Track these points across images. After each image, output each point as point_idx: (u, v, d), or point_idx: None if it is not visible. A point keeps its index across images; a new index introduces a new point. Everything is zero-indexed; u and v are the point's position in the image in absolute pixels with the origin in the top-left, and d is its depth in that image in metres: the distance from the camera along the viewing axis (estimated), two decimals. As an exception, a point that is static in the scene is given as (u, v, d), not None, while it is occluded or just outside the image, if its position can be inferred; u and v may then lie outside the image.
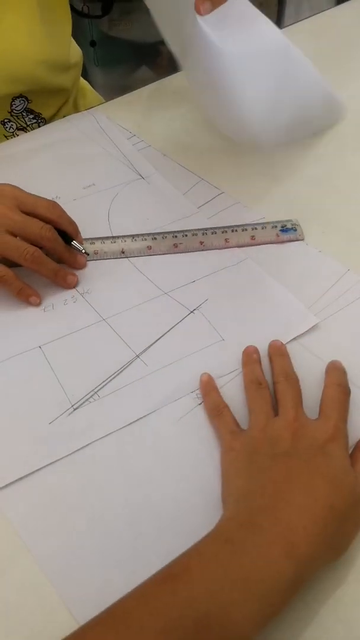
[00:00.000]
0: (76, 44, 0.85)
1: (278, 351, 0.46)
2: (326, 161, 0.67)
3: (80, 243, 0.55)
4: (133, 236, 0.58)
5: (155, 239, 0.58)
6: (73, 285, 0.54)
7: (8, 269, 0.51)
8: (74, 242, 0.54)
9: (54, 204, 0.53)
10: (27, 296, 0.52)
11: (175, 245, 0.57)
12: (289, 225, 0.59)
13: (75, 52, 0.84)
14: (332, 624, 0.35)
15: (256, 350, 0.47)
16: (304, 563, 0.33)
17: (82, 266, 0.55)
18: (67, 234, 0.54)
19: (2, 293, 0.53)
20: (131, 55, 0.84)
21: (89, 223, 0.58)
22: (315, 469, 0.36)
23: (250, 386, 0.44)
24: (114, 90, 0.84)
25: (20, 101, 0.77)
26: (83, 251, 0.55)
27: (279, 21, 1.65)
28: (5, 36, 0.68)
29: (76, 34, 0.87)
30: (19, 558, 0.38)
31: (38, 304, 0.52)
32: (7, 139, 0.79)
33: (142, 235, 0.58)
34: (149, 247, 0.57)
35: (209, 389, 0.45)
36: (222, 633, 0.30)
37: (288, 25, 0.98)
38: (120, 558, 0.38)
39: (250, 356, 0.46)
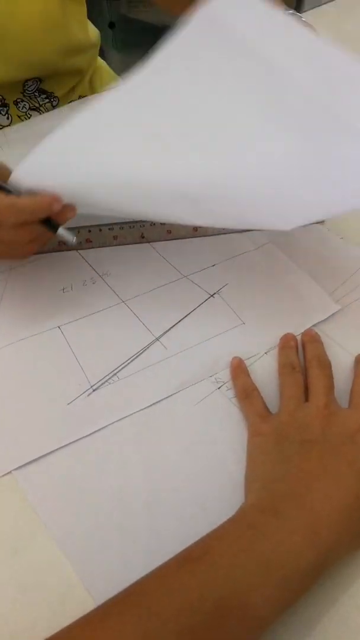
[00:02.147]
0: (92, 25, 0.84)
1: (312, 338, 0.46)
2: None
3: (63, 220, 0.46)
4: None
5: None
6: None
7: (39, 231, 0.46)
8: (61, 231, 0.46)
9: (17, 210, 0.43)
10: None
11: (195, 229, 0.56)
12: (308, 209, 0.58)
13: (92, 33, 0.83)
14: (350, 611, 0.35)
15: (294, 338, 0.47)
16: (326, 551, 0.33)
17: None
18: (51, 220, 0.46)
19: (22, 274, 0.53)
20: (150, 38, 0.82)
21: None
22: (343, 458, 0.36)
23: (283, 370, 0.44)
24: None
25: (32, 82, 0.76)
26: (74, 240, 0.46)
27: (298, 6, 1.63)
28: (20, 22, 0.67)
29: (94, 16, 0.86)
30: (37, 536, 0.38)
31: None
32: (20, 118, 0.78)
33: (162, 218, 0.57)
34: (169, 232, 0.56)
35: (239, 372, 0.45)
36: (242, 616, 0.30)
37: (309, 10, 0.97)
38: (138, 539, 0.38)
39: (287, 342, 0.46)
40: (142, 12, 0.91)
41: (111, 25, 1.21)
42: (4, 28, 0.67)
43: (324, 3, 0.95)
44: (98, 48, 0.88)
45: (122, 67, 1.27)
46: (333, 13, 0.95)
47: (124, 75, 0.95)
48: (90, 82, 0.87)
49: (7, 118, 0.77)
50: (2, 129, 0.72)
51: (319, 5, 0.96)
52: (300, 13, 0.97)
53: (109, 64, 0.96)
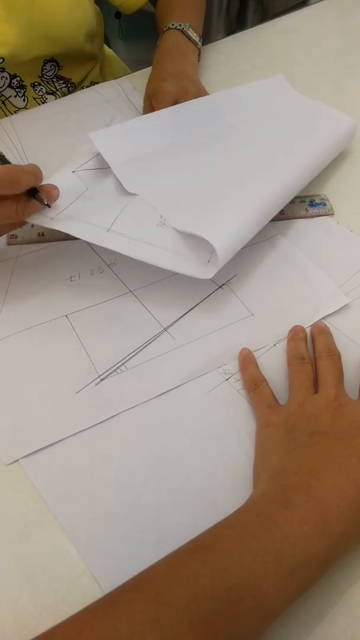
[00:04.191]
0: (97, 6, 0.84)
1: (321, 330, 0.46)
2: None
3: (46, 192, 0.48)
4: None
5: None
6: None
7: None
8: (39, 195, 0.47)
9: (1, 180, 0.43)
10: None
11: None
12: (317, 200, 0.58)
13: (99, 19, 0.84)
14: (358, 602, 0.35)
15: (303, 330, 0.46)
16: (336, 541, 0.32)
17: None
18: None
19: (29, 262, 0.52)
20: (156, 29, 0.83)
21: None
22: (353, 450, 0.36)
23: (293, 361, 0.44)
24: (137, 64, 0.84)
25: (51, 66, 0.76)
26: (45, 203, 0.47)
27: (306, -1, 1.61)
28: None
29: (101, 5, 0.86)
30: (45, 524, 0.38)
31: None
32: (36, 101, 0.78)
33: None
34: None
35: (247, 363, 0.45)
36: (253, 604, 0.30)
37: (315, 3, 0.96)
38: (146, 528, 0.38)
39: (296, 334, 0.46)
40: (148, 2, 0.91)
41: (117, 15, 1.20)
42: None
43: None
44: (103, 34, 0.88)
45: (128, 56, 1.27)
46: (341, 5, 0.95)
47: (129, 66, 0.95)
48: (101, 70, 0.87)
49: (24, 100, 0.77)
50: (9, 117, 0.71)
51: (327, -2, 0.96)
52: (307, 5, 0.97)
53: (115, 53, 0.96)
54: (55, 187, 0.48)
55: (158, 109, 0.62)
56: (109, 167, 0.54)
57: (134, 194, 0.52)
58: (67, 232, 0.47)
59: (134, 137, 0.57)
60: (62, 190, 0.49)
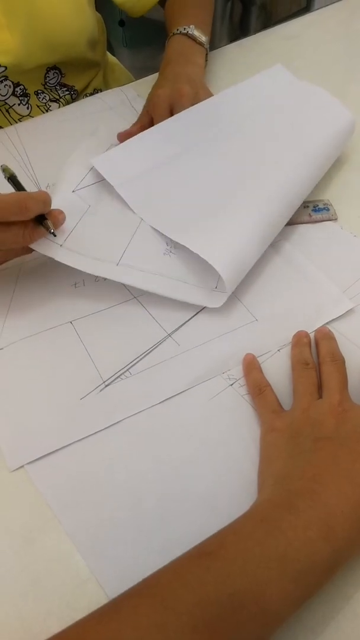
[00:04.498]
0: (98, 13, 0.85)
1: (325, 335, 0.46)
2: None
3: (53, 218, 0.48)
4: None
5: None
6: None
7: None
8: (46, 222, 0.47)
9: (10, 207, 0.44)
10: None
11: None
12: (320, 205, 0.58)
13: (100, 27, 0.85)
14: (363, 608, 0.35)
15: (307, 335, 0.46)
16: (341, 547, 0.32)
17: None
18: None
19: (34, 269, 0.53)
20: (159, 36, 0.83)
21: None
22: (357, 455, 0.36)
23: (297, 366, 0.44)
24: (141, 72, 0.84)
25: (54, 74, 0.77)
26: (51, 231, 0.47)
27: (309, 4, 1.62)
28: (47, 5, 0.69)
29: (105, 14, 0.86)
30: (51, 530, 0.38)
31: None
32: (40, 109, 0.79)
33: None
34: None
35: (251, 368, 0.45)
36: (257, 610, 0.30)
37: (318, 9, 0.96)
38: (150, 534, 0.38)
39: (300, 339, 0.46)
40: (153, 10, 0.91)
41: (121, 23, 1.22)
42: (31, 3, 0.68)
43: (336, 1, 0.95)
44: (106, 42, 0.89)
45: (132, 64, 1.28)
46: (344, 11, 0.95)
47: (133, 74, 0.96)
48: (104, 77, 0.87)
49: (27, 108, 0.78)
50: (13, 125, 0.72)
51: (331, 4, 0.96)
52: (310, 11, 0.97)
53: (119, 61, 0.97)
54: (61, 212, 0.49)
55: (154, 115, 0.62)
56: (105, 179, 0.54)
57: (137, 212, 0.53)
58: (77, 267, 0.48)
59: (137, 156, 0.57)
60: (66, 212, 0.49)
